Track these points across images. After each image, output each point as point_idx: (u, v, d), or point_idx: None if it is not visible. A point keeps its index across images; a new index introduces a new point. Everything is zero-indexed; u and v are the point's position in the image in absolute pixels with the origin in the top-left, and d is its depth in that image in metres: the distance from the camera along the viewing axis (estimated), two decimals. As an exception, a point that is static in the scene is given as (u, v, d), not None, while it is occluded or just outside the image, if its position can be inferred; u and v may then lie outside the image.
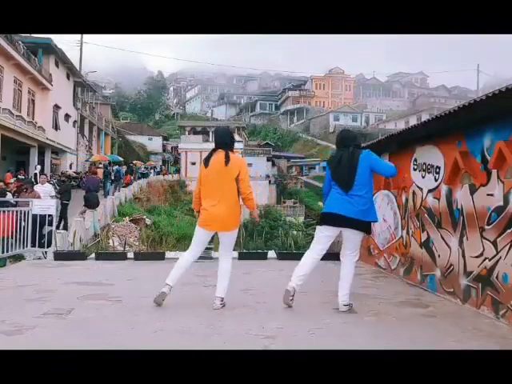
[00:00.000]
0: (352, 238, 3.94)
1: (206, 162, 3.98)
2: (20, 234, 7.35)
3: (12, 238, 7.23)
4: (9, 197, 9.66)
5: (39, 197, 9.33)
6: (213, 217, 3.88)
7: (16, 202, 8.83)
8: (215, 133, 4.31)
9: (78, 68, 33.14)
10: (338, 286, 3.93)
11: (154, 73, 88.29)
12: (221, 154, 3.94)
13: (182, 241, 16.52)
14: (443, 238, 4.53)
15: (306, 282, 5.10)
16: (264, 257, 7.53)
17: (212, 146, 4.13)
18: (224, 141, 4.01)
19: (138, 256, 7.34)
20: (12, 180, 13.45)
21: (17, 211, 7.41)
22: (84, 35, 36.83)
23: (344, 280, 3.91)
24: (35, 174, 19.05)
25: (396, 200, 5.81)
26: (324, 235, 3.98)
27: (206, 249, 7.28)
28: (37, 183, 12.52)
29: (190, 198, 32.05)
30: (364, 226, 3.91)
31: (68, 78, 30.54)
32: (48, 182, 15.94)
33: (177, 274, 3.93)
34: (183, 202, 31.37)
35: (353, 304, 3.93)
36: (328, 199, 4.02)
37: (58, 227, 10.22)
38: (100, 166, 27.66)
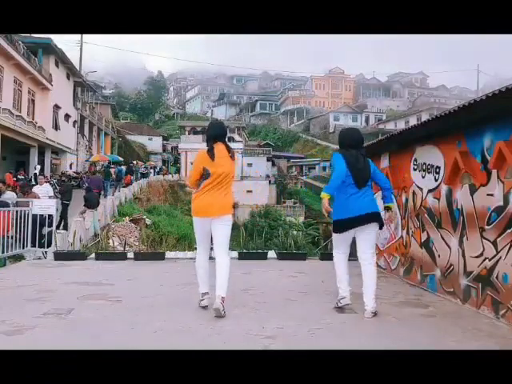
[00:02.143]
0: (371, 235, 3.96)
1: (212, 155, 3.83)
2: (19, 234, 7.32)
3: (10, 237, 7.19)
4: (7, 196, 9.58)
5: (38, 198, 9.30)
6: (209, 205, 3.79)
7: (7, 202, 8.75)
8: (213, 126, 4.15)
9: (78, 68, 33.14)
10: (363, 292, 3.82)
11: (154, 73, 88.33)
12: (221, 146, 3.91)
13: (182, 241, 16.53)
14: (443, 238, 4.53)
15: (306, 283, 5.10)
16: (264, 257, 7.53)
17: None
18: (222, 133, 4.03)
19: (138, 256, 7.33)
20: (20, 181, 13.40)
21: (12, 211, 7.35)
22: (84, 35, 36.91)
23: (370, 286, 3.81)
24: (35, 174, 19.08)
25: (396, 200, 5.81)
26: (345, 238, 4.00)
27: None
28: (36, 183, 12.50)
29: (190, 198, 32.05)
30: (379, 217, 3.94)
31: (68, 78, 30.54)
32: (48, 182, 15.97)
33: (205, 280, 3.97)
34: (183, 201, 31.35)
35: (353, 304, 3.93)
36: (339, 205, 3.92)
37: (58, 227, 10.21)
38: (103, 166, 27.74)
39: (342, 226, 3.91)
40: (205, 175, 3.84)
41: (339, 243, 4.03)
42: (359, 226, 3.86)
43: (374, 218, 3.87)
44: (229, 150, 3.92)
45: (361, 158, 3.94)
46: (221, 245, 3.84)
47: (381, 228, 4.01)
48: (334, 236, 4.09)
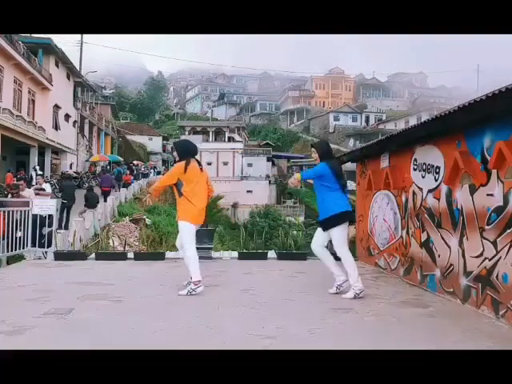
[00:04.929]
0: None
1: (185, 168, 4.56)
2: (14, 235, 7.24)
3: (3, 238, 7.10)
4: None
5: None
6: (202, 215, 4.66)
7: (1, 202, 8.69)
8: (186, 145, 4.86)
9: (78, 68, 33.14)
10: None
11: (153, 73, 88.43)
12: (194, 162, 4.65)
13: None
14: (443, 238, 4.53)
15: (306, 283, 5.11)
16: (264, 257, 7.53)
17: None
18: (196, 151, 4.84)
19: (138, 256, 7.34)
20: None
21: (6, 211, 7.28)
22: (84, 35, 36.93)
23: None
24: (31, 175, 19.15)
25: (396, 200, 5.81)
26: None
27: (206, 249, 7.31)
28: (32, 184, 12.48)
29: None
30: None
31: (68, 78, 30.53)
32: (48, 182, 15.97)
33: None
34: (183, 201, 31.32)
35: (353, 304, 3.94)
36: (341, 199, 4.49)
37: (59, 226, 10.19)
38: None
39: (345, 217, 4.53)
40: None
41: (345, 242, 4.58)
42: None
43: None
44: (200, 165, 4.75)
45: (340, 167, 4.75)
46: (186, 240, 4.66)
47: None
48: (344, 232, 4.54)
